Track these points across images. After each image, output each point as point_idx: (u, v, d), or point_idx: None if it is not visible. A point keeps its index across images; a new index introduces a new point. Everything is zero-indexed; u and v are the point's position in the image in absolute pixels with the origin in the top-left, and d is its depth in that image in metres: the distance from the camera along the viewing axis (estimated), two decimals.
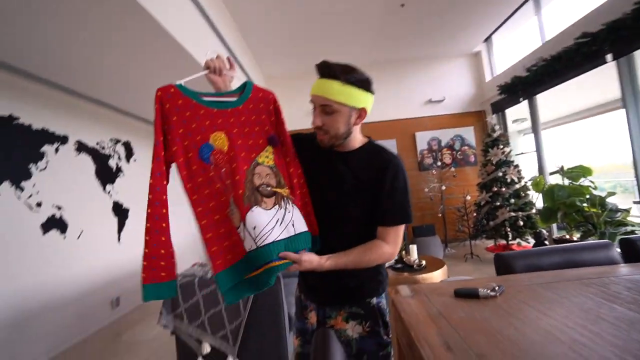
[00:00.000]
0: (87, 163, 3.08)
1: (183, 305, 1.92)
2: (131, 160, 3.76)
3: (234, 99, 0.89)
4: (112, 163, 3.44)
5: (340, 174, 0.89)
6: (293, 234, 0.82)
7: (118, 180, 3.48)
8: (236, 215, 0.79)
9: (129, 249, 3.49)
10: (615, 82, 3.08)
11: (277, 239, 0.79)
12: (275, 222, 0.80)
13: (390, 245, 0.87)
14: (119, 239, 3.39)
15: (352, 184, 0.87)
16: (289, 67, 5.25)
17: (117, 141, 3.58)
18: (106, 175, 3.32)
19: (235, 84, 0.96)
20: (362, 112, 0.87)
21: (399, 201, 0.87)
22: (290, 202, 0.85)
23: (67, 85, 2.73)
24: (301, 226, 0.84)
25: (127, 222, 3.53)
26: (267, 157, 0.87)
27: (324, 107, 0.83)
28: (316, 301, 0.96)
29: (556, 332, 0.57)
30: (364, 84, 0.84)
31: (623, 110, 3.03)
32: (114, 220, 3.35)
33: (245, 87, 0.92)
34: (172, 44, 2.16)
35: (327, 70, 0.82)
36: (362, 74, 0.84)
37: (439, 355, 0.54)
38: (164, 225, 0.75)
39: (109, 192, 3.32)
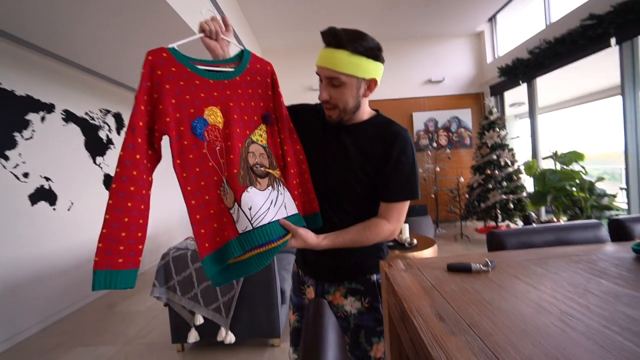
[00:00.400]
0: (76, 133, 2.99)
1: (176, 278, 1.94)
2: (122, 132, 3.66)
3: (231, 68, 0.82)
4: (102, 134, 3.35)
5: (345, 147, 0.84)
6: (285, 215, 0.80)
7: (109, 152, 3.41)
8: (230, 195, 0.75)
9: None
10: (615, 69, 3.05)
11: (272, 220, 0.77)
12: (270, 203, 0.78)
13: (391, 222, 0.84)
14: None
15: (357, 158, 0.83)
16: (288, 40, 5.07)
17: (107, 112, 3.46)
18: (96, 146, 3.24)
19: (231, 50, 0.89)
20: (371, 83, 0.81)
21: (405, 176, 0.82)
22: (281, 184, 0.82)
23: (52, 51, 2.59)
24: (292, 209, 0.82)
25: None
26: (260, 136, 0.84)
27: (330, 80, 0.78)
28: (314, 277, 0.94)
29: (545, 304, 0.58)
30: (374, 53, 0.77)
31: (619, 97, 3.02)
32: (105, 193, 3.31)
33: (243, 56, 0.85)
34: (165, 8, 2.04)
35: (334, 38, 0.75)
36: (371, 41, 0.78)
37: (432, 324, 0.55)
38: (129, 204, 0.65)
39: (99, 165, 3.26)
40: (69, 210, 2.82)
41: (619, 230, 1.03)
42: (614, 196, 3.29)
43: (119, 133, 3.60)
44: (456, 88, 5.37)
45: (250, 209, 0.74)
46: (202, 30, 0.82)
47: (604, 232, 1.06)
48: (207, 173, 0.75)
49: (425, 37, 5.31)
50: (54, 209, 2.67)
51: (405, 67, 5.34)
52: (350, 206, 0.87)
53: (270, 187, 0.80)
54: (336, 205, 0.87)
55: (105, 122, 3.40)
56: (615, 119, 3.11)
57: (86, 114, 3.14)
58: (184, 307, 1.93)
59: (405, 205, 0.86)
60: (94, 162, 3.19)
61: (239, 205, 0.74)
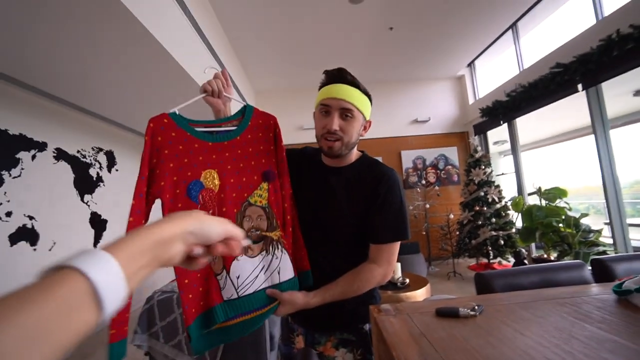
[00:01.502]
0: (66, 171, 2.98)
1: (160, 324, 1.84)
2: (113, 170, 3.66)
3: (232, 127, 0.83)
4: (93, 172, 3.34)
5: (332, 189, 0.85)
6: (277, 282, 0.78)
7: (98, 190, 3.38)
8: (219, 262, 0.74)
9: None
10: (586, 110, 3.28)
11: (258, 289, 0.76)
12: (260, 269, 0.77)
13: (382, 266, 0.82)
14: None
15: (344, 199, 0.83)
16: (280, 81, 5.34)
17: (100, 150, 3.49)
18: (85, 184, 3.21)
19: (233, 105, 0.91)
20: (367, 124, 0.88)
21: (393, 215, 0.81)
22: (280, 247, 0.80)
23: (48, 91, 2.66)
24: (288, 273, 0.80)
25: (105, 234, 3.40)
26: (260, 197, 0.82)
27: (344, 111, 0.80)
28: (304, 325, 0.91)
29: (531, 351, 0.59)
30: (371, 98, 0.86)
31: (593, 136, 3.22)
32: (90, 232, 3.22)
33: (245, 111, 0.86)
34: (162, 53, 2.16)
35: (348, 76, 0.81)
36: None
37: None
38: None
39: (87, 202, 3.21)
40: (50, 250, 2.71)
41: (602, 270, 1.05)
42: (599, 232, 3.36)
43: (109, 171, 3.60)
44: (442, 127, 5.63)
45: (238, 278, 0.74)
46: (204, 90, 0.83)
47: (587, 272, 1.08)
48: None
49: (411, 80, 5.66)
50: (35, 249, 2.57)
51: (393, 107, 5.62)
52: (340, 250, 0.86)
53: (263, 252, 0.78)
54: (326, 250, 0.86)
55: (96, 160, 3.41)
56: (590, 156, 3.28)
57: (78, 152, 3.15)
58: (166, 355, 1.81)
59: (396, 246, 0.84)
60: (82, 200, 3.14)
61: (228, 273, 0.74)
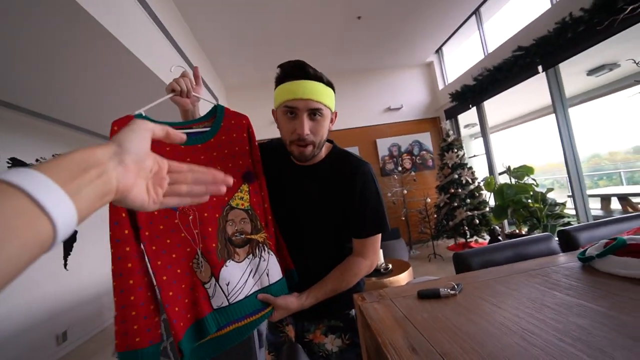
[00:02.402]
0: None
1: None
2: None
3: (205, 129, 0.79)
4: None
5: (307, 190, 0.84)
6: (267, 284, 0.77)
7: None
8: (205, 269, 0.72)
9: (77, 276, 3.17)
10: (547, 91, 3.46)
11: (249, 294, 0.75)
12: (249, 274, 0.75)
13: (367, 258, 0.84)
14: (65, 265, 3.07)
15: (321, 200, 0.83)
16: (249, 77, 5.22)
17: None
18: None
19: (202, 105, 0.86)
20: (333, 117, 0.82)
21: (372, 210, 0.82)
22: (266, 249, 0.79)
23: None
24: (276, 274, 0.79)
25: (76, 245, 3.22)
26: (241, 199, 0.79)
27: (313, 111, 0.74)
28: (293, 315, 0.90)
29: (509, 324, 0.61)
30: (334, 88, 0.80)
31: (553, 116, 3.41)
32: (59, 245, 3.04)
33: (217, 112, 0.82)
34: (123, 52, 2.04)
35: (310, 70, 0.73)
36: None
37: (406, 358, 0.55)
38: (130, 282, 0.64)
39: None
40: None
41: (567, 240, 1.12)
42: (564, 204, 3.59)
43: None
44: (414, 114, 5.75)
45: (227, 285, 0.72)
46: (172, 90, 0.78)
47: (555, 243, 1.15)
48: (179, 244, 0.71)
49: (382, 68, 5.71)
50: None
51: (366, 97, 5.66)
52: (322, 248, 0.87)
53: (250, 256, 0.77)
54: (308, 249, 0.87)
55: None
56: (553, 134, 3.47)
57: (37, 160, 2.94)
58: None
59: (378, 237, 0.86)
60: None
61: (217, 281, 0.71)
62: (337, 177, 0.82)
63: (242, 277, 0.74)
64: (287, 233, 0.86)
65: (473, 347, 0.55)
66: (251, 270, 0.76)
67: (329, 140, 0.87)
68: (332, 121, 0.82)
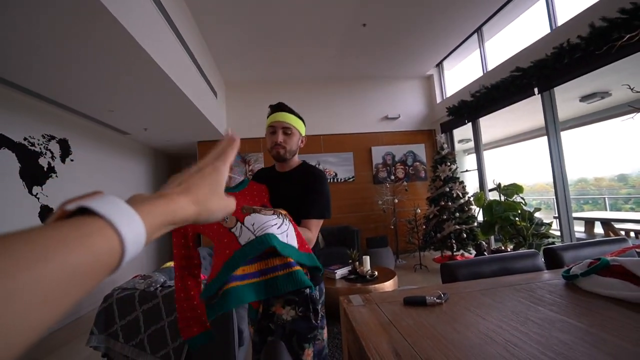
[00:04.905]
0: (9, 160, 2.69)
1: (119, 323, 1.73)
2: (67, 160, 3.37)
3: (236, 188, 1.08)
4: (44, 162, 3.06)
5: (283, 189, 1.15)
6: (286, 241, 0.86)
7: (49, 181, 3.09)
8: (231, 220, 0.83)
9: None
10: (541, 112, 3.54)
11: (274, 232, 0.83)
12: (274, 224, 0.86)
13: (312, 232, 1.08)
14: None
15: (290, 194, 1.13)
16: (250, 74, 5.20)
17: (52, 138, 3.19)
18: (34, 175, 2.93)
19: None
20: (303, 139, 1.22)
21: (319, 199, 1.12)
22: (287, 220, 0.92)
23: None
24: (293, 240, 0.90)
25: None
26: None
27: (285, 129, 1.14)
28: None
29: (492, 335, 0.62)
30: (303, 121, 1.21)
31: (545, 138, 3.48)
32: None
33: (243, 183, 1.11)
34: (127, 39, 2.00)
35: (285, 107, 1.17)
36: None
37: None
38: (182, 295, 0.92)
39: (36, 195, 2.93)
40: None
41: (552, 258, 1.14)
42: (550, 224, 3.66)
43: (63, 161, 3.31)
44: (411, 124, 5.81)
45: (253, 224, 0.82)
46: None
47: (540, 260, 1.17)
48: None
49: (382, 78, 5.77)
50: None
51: (364, 104, 5.70)
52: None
53: (276, 215, 0.89)
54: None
55: (48, 149, 3.12)
56: (544, 156, 3.55)
57: (25, 139, 2.86)
58: (126, 356, 1.71)
59: (320, 222, 1.12)
60: (30, 192, 2.87)
61: (242, 223, 0.81)
62: (302, 178, 1.17)
63: (267, 222, 0.84)
64: None
65: (457, 355, 0.55)
66: (276, 223, 0.87)
67: (302, 160, 1.26)
68: (302, 142, 1.22)
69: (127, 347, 1.71)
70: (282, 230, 0.88)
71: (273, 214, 0.90)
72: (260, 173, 1.32)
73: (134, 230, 0.24)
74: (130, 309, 1.74)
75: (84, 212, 0.23)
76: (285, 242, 0.86)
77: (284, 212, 0.95)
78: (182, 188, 0.32)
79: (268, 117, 1.19)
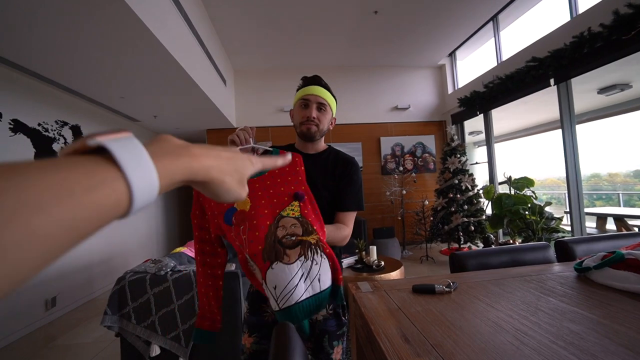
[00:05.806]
0: (25, 145, 2.76)
1: (131, 305, 1.79)
2: None
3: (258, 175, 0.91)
4: (57, 147, 3.12)
5: (308, 171, 0.99)
6: (319, 290, 0.77)
7: None
8: (257, 272, 0.79)
9: None
10: (556, 105, 3.44)
11: (300, 300, 0.74)
12: (300, 277, 0.76)
13: (349, 227, 1.01)
14: None
15: (319, 178, 1.02)
16: (260, 62, 5.16)
17: (65, 124, 3.25)
18: None
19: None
20: (333, 121, 1.11)
21: (357, 191, 1.04)
22: (319, 251, 0.79)
23: (4, 56, 2.42)
24: (327, 280, 0.80)
25: None
26: (292, 210, 0.85)
27: (320, 105, 1.03)
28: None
29: (502, 323, 0.62)
30: (336, 100, 1.10)
31: (560, 130, 3.39)
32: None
33: (272, 153, 0.96)
34: (133, 19, 2.00)
35: (322, 82, 1.05)
36: None
37: (397, 346, 0.55)
38: (202, 290, 0.93)
39: None
40: None
41: (564, 251, 1.12)
42: (560, 219, 3.60)
43: None
44: (421, 115, 5.72)
45: (275, 288, 0.74)
46: (232, 142, 0.91)
47: (551, 252, 1.15)
48: (235, 253, 0.85)
49: (393, 67, 5.66)
50: None
51: (374, 93, 5.62)
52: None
53: (302, 258, 0.77)
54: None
55: (61, 135, 3.18)
56: (557, 149, 3.47)
57: (39, 124, 2.92)
58: (138, 336, 1.77)
59: (354, 214, 1.04)
60: None
61: (266, 284, 0.75)
62: (334, 164, 1.06)
63: (291, 281, 0.74)
64: None
65: (466, 341, 0.55)
66: (302, 274, 0.76)
67: (327, 144, 1.14)
68: (331, 123, 1.09)
69: (139, 328, 1.76)
70: (312, 275, 0.77)
71: (299, 256, 0.77)
72: (284, 149, 1.15)
73: (147, 187, 0.23)
74: (142, 291, 1.79)
75: (102, 151, 0.22)
76: (318, 290, 0.78)
77: (315, 238, 0.80)
78: (214, 152, 0.31)
79: (299, 89, 1.06)
